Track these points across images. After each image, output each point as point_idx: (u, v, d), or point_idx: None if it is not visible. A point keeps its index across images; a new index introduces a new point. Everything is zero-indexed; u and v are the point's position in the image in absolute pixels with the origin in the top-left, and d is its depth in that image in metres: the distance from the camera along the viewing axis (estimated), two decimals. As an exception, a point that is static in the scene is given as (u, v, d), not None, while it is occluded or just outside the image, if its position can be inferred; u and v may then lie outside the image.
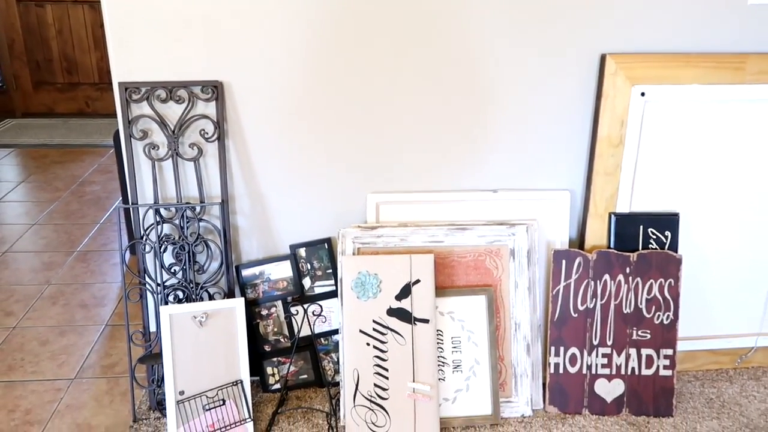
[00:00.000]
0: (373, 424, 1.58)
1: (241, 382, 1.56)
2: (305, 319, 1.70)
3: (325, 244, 1.72)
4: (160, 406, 1.65)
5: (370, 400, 1.59)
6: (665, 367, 1.68)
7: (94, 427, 1.63)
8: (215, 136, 1.60)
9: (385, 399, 1.59)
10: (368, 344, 1.59)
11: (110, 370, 1.85)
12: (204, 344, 1.54)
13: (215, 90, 1.57)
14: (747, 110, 1.65)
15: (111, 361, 1.89)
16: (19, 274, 2.38)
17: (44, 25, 4.36)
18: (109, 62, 1.56)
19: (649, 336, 1.68)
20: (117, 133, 2.37)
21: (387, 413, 1.58)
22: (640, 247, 1.69)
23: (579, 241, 1.77)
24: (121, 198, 2.53)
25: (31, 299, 2.21)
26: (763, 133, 1.68)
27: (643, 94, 1.61)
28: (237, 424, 1.54)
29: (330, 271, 1.73)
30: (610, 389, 1.69)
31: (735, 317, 1.84)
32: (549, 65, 1.62)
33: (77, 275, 2.36)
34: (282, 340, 1.74)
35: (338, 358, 1.75)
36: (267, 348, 1.74)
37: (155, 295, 1.62)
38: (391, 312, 1.60)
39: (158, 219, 1.62)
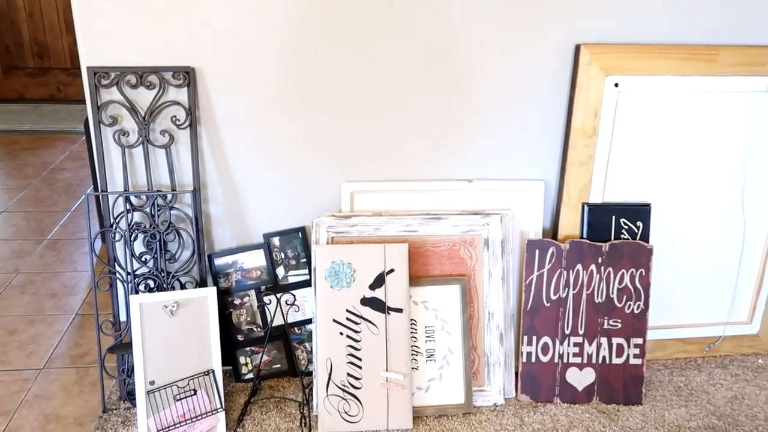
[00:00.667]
0: (346, 413, 1.58)
1: (213, 371, 1.55)
2: (278, 309, 1.69)
3: (299, 233, 1.71)
4: (130, 396, 1.63)
5: (343, 390, 1.58)
6: (635, 356, 1.70)
7: (63, 418, 1.60)
8: (187, 123, 1.58)
9: (358, 388, 1.59)
10: (341, 333, 1.59)
11: (80, 359, 1.82)
12: (175, 334, 1.52)
13: (187, 76, 1.55)
14: (719, 101, 1.67)
15: (81, 351, 1.86)
16: (-14, 262, 2.33)
17: (14, 8, 4.25)
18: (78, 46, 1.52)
19: (620, 325, 1.70)
20: (88, 119, 2.34)
21: (360, 402, 1.58)
22: (613, 237, 1.71)
23: (553, 231, 1.78)
24: (92, 185, 2.49)
25: (-1, 288, 2.17)
26: (735, 125, 1.70)
27: (616, 85, 1.62)
28: (208, 414, 1.53)
29: (304, 260, 1.71)
30: (581, 378, 1.71)
31: (704, 307, 1.87)
32: (524, 55, 1.62)
33: (47, 264, 2.32)
34: (255, 329, 1.73)
35: (312, 348, 1.74)
36: (240, 337, 1.72)
37: (125, 284, 1.60)
38: (365, 301, 1.60)
39: (128, 207, 1.59)
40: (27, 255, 2.38)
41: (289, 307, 1.69)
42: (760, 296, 1.86)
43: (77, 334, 1.93)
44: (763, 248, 1.83)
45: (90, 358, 1.83)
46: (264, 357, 1.73)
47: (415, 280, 1.65)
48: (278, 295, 1.66)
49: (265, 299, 1.68)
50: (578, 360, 1.70)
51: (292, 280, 1.72)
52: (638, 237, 1.71)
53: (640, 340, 1.70)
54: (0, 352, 1.85)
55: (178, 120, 1.58)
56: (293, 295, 1.69)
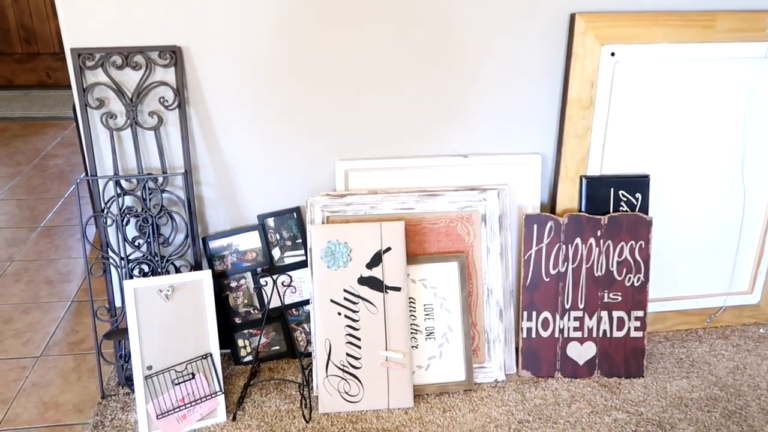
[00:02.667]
0: (347, 393, 1.57)
1: (211, 355, 1.53)
2: (275, 290, 1.67)
3: (294, 214, 1.69)
4: (128, 381, 1.62)
5: (343, 370, 1.57)
6: (636, 329, 1.69)
7: (62, 405, 1.59)
8: (175, 104, 1.54)
9: (358, 368, 1.57)
10: (340, 314, 1.57)
11: (77, 346, 1.81)
12: (171, 318, 1.50)
13: (174, 55, 1.51)
14: (717, 69, 1.64)
15: (77, 338, 1.84)
16: (-20, 251, 2.31)
17: (-1, -7, 4.17)
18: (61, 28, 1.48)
19: (620, 298, 1.68)
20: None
21: (360, 382, 1.57)
22: (611, 210, 1.69)
23: (550, 205, 1.76)
24: (84, 171, 2.45)
25: (-7, 277, 2.15)
26: (734, 92, 1.67)
27: (612, 54, 1.58)
28: (208, 397, 1.52)
29: (299, 240, 1.69)
30: (582, 352, 1.70)
31: (704, 278, 1.86)
32: (518, 26, 1.58)
33: (41, 251, 2.30)
34: (252, 311, 1.71)
35: (310, 329, 1.73)
36: (237, 320, 1.71)
37: (119, 270, 1.58)
38: (363, 281, 1.58)
39: (119, 191, 1.56)
40: (21, 243, 2.36)
41: (285, 288, 1.67)
42: (761, 266, 1.85)
43: (74, 321, 1.92)
44: (764, 217, 1.81)
45: (87, 345, 1.81)
46: (262, 339, 1.72)
47: (412, 258, 1.63)
48: (275, 277, 1.65)
49: (262, 281, 1.67)
50: (579, 334, 1.69)
51: (288, 261, 1.70)
52: (637, 209, 1.69)
53: (640, 313, 1.69)
54: (-4, 341, 1.84)
55: (167, 101, 1.54)
56: (290, 276, 1.67)
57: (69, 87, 4.33)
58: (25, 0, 4.20)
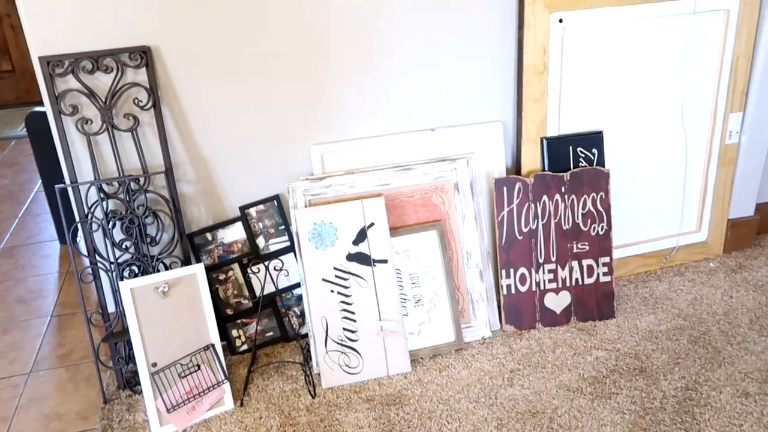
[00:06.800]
0: (347, 366, 1.64)
1: (213, 345, 1.57)
2: (267, 276, 1.71)
3: (275, 201, 1.73)
4: (129, 383, 1.63)
5: (341, 344, 1.64)
6: (604, 274, 1.83)
7: (64, 415, 1.59)
8: (150, 104, 1.56)
9: (355, 341, 1.64)
10: (332, 291, 1.64)
11: (67, 358, 1.80)
12: (169, 314, 1.52)
13: (144, 56, 1.53)
14: (655, 27, 1.78)
15: (65, 350, 1.83)
16: (-60, 279, 2.23)
17: None
18: (25, 36, 1.47)
19: (587, 247, 1.81)
20: (30, 114, 2.25)
21: (359, 354, 1.64)
22: (572, 166, 1.81)
23: (515, 168, 1.87)
24: (41, 183, 2.40)
25: (-39, 303, 2.09)
26: (670, 48, 1.82)
27: (561, 21, 1.70)
28: (214, 386, 1.55)
29: (282, 227, 1.74)
30: (558, 301, 1.82)
31: (658, 222, 2.01)
32: (471, 1, 1.67)
33: (6, 272, 2.24)
34: (243, 301, 1.75)
35: (301, 312, 1.78)
36: (229, 311, 1.74)
37: (109, 274, 1.58)
38: (351, 257, 1.64)
39: (102, 195, 1.57)
40: (-18, 266, 2.29)
41: (278, 272, 1.72)
42: (705, 204, 2.02)
43: (58, 335, 1.90)
44: (704, 160, 1.98)
45: (77, 355, 1.80)
46: (257, 326, 1.76)
47: (394, 230, 1.70)
48: (266, 263, 1.69)
49: (254, 269, 1.70)
50: (554, 285, 1.81)
51: (273, 248, 1.74)
52: (594, 163, 1.82)
53: (607, 259, 1.82)
54: (-19, 364, 1.80)
55: (141, 101, 1.56)
56: (281, 260, 1.72)
57: (2, 107, 4.17)
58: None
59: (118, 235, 1.60)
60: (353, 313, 1.64)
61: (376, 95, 1.72)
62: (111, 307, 1.63)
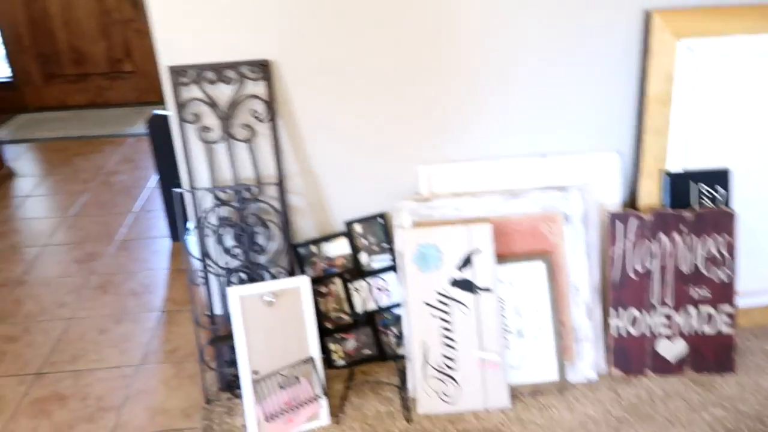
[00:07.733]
0: (444, 394, 1.60)
1: (313, 359, 1.58)
2: (369, 294, 1.71)
3: (380, 219, 1.73)
4: (230, 387, 1.67)
5: (440, 371, 1.61)
6: (725, 324, 1.70)
7: (169, 410, 1.65)
8: (266, 116, 1.60)
9: (454, 369, 1.60)
10: (434, 316, 1.61)
11: (173, 355, 1.87)
12: (273, 323, 1.55)
13: (263, 68, 1.57)
14: (800, 62, 1.65)
15: (172, 347, 1.90)
16: (62, 266, 2.39)
17: (48, 16, 4.30)
18: (155, 47, 1.55)
19: (708, 294, 1.69)
20: (153, 117, 2.37)
21: (457, 383, 1.60)
22: (693, 205, 1.70)
23: (630, 202, 1.77)
24: (158, 182, 2.51)
25: (80, 290, 2.22)
26: (817, 85, 1.67)
27: (690, 49, 1.60)
28: (312, 400, 1.56)
29: (385, 245, 1.73)
30: (671, 348, 1.70)
31: (788, 271, 1.85)
32: (592, 25, 1.61)
33: (122, 264, 2.37)
34: (343, 316, 1.75)
35: (399, 332, 1.76)
36: (329, 325, 1.75)
37: (219, 278, 1.63)
38: (455, 283, 1.61)
39: (217, 202, 1.62)
40: (100, 257, 2.44)
41: (379, 292, 1.71)
42: None
43: (166, 330, 1.98)
44: None
45: (182, 353, 1.87)
46: (354, 343, 1.76)
47: (499, 258, 1.66)
48: (368, 281, 1.69)
49: (356, 285, 1.71)
50: (668, 331, 1.70)
51: (375, 266, 1.74)
52: (719, 203, 1.70)
53: (729, 308, 1.69)
54: (95, 350, 1.90)
55: (258, 113, 1.60)
56: (384, 279, 1.71)
57: (118, 105, 4.46)
58: (75, 22, 4.33)
59: (228, 241, 1.65)
60: (453, 340, 1.61)
61: (490, 118, 1.68)
62: (217, 310, 1.68)
